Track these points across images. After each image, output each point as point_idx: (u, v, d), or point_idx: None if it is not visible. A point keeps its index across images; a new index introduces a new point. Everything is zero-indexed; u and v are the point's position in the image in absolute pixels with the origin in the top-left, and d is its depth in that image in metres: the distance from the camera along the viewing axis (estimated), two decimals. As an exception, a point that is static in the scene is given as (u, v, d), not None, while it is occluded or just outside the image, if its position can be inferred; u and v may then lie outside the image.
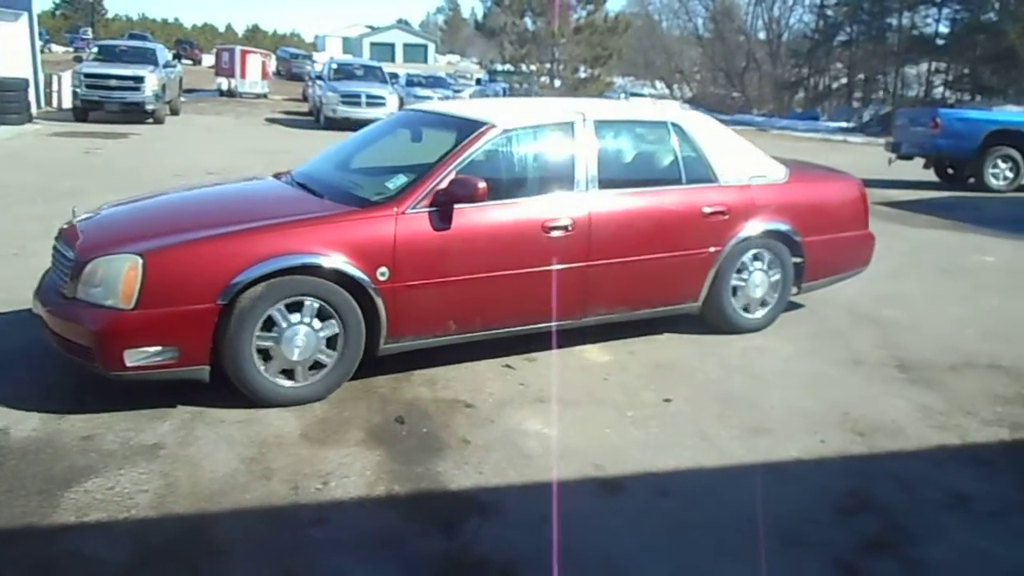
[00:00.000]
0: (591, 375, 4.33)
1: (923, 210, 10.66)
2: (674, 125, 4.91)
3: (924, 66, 42.38)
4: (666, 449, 3.50)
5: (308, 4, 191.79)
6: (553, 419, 3.76)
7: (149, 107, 17.48)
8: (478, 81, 40.93)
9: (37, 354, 4.09)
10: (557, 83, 32.12)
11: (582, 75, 32.89)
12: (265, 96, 31.58)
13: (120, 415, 3.58)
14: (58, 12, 78.29)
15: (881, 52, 42.32)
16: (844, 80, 45.54)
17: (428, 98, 25.95)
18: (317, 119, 21.57)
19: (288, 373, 3.77)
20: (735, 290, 4.96)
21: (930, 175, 14.41)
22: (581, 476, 3.25)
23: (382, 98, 20.44)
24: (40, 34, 23.66)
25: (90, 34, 55.66)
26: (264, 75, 32.83)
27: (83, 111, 17.51)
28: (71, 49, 48.33)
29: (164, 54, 20.66)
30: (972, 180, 13.54)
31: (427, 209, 3.98)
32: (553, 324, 4.41)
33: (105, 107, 17.34)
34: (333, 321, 3.78)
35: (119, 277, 3.49)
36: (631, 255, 4.52)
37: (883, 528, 2.98)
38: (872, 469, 3.43)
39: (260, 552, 2.69)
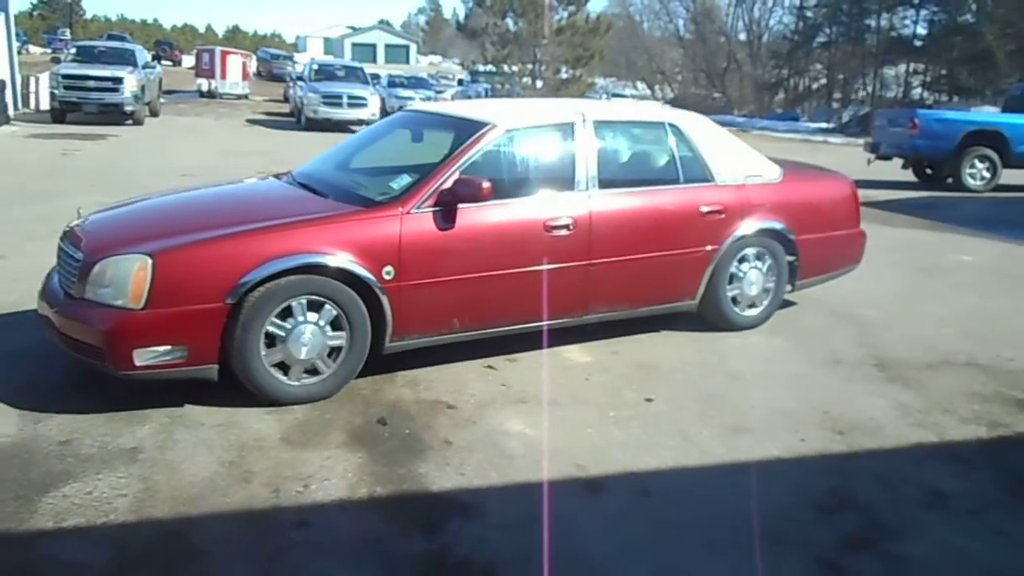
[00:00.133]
0: (573, 375, 4.34)
1: (902, 210, 10.75)
2: (671, 125, 4.98)
3: (902, 67, 42.77)
4: (648, 449, 3.51)
5: (289, 5, 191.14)
6: (535, 420, 3.76)
7: (128, 108, 17.36)
8: (460, 82, 40.92)
9: (16, 356, 4.05)
10: (539, 84, 32.17)
11: (564, 76, 32.98)
12: (246, 97, 31.45)
13: (98, 419, 3.55)
14: (35, 13, 77.54)
15: (860, 53, 42.68)
16: (824, 81, 45.85)
17: (410, 99, 25.98)
18: (298, 120, 21.50)
19: (296, 371, 3.79)
20: (731, 288, 5.03)
21: (908, 175, 14.53)
22: (563, 476, 3.25)
23: (363, 99, 20.42)
24: (17, 35, 23.46)
25: (68, 35, 55.12)
26: (245, 76, 32.69)
27: (61, 112, 17.37)
28: (49, 50, 47.88)
29: (143, 55, 20.52)
30: (950, 180, 13.67)
31: (431, 209, 4.02)
32: (554, 322, 4.46)
33: (83, 108, 17.20)
34: (339, 319, 3.81)
35: (129, 277, 3.51)
36: (631, 254, 4.58)
37: (863, 526, 3.00)
38: (852, 467, 3.45)
39: (241, 555, 2.67)
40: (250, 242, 3.69)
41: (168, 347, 3.52)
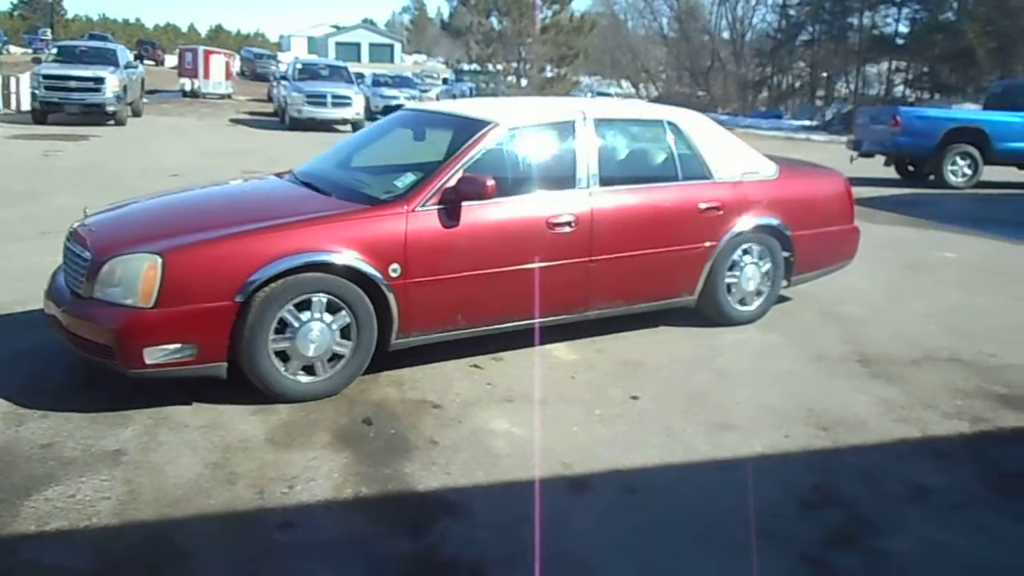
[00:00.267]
0: (559, 374, 4.34)
1: (884, 207, 10.82)
2: (670, 123, 5.04)
3: (884, 65, 43.08)
4: (633, 447, 3.52)
5: (272, 4, 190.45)
6: (521, 418, 3.76)
7: (110, 108, 17.23)
8: (445, 81, 40.87)
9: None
10: (524, 82, 32.16)
11: (548, 74, 32.97)
12: (229, 97, 31.28)
13: (81, 422, 3.52)
14: (16, 13, 76.90)
15: (842, 51, 42.92)
16: (807, 79, 46.09)
17: (394, 98, 26.01)
18: (282, 119, 21.41)
19: (306, 369, 3.84)
20: (729, 284, 5.08)
21: (891, 172, 14.63)
22: (549, 475, 3.25)
23: (348, 98, 20.34)
24: (-3, 35, 23.20)
25: (49, 35, 54.70)
26: (228, 75, 32.51)
27: (42, 113, 17.22)
28: (29, 50, 47.51)
29: (125, 55, 20.38)
30: (932, 177, 13.77)
31: (436, 207, 4.06)
32: (556, 319, 4.52)
33: (65, 109, 17.05)
34: (346, 316, 3.85)
35: (139, 276, 3.53)
36: (631, 250, 4.63)
37: (847, 521, 3.02)
38: (836, 463, 3.47)
39: (225, 557, 2.66)
40: (258, 241, 3.72)
41: (178, 345, 3.55)
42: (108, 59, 18.61)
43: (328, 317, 3.81)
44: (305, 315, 3.75)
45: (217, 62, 31.57)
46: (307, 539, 2.76)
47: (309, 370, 3.85)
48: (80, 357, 3.76)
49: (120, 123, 17.65)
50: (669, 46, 48.42)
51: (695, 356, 4.67)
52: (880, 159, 14.60)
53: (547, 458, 3.37)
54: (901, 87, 42.30)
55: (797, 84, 46.77)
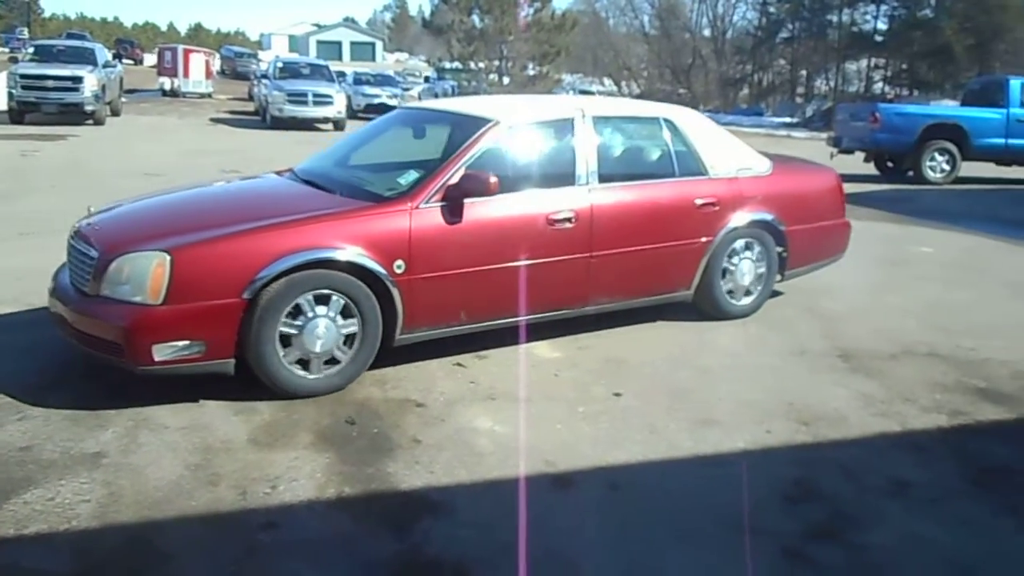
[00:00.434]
0: (542, 371, 4.35)
1: (864, 203, 10.89)
2: (666, 120, 5.12)
3: (864, 62, 43.41)
4: (616, 443, 3.52)
5: (253, 3, 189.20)
6: (504, 417, 3.76)
7: (88, 108, 17.03)
8: (427, 79, 40.76)
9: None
10: (506, 81, 32.14)
11: (531, 72, 32.94)
12: (209, 95, 31.05)
13: (60, 424, 3.49)
14: (-9, 11, 75.99)
15: (822, 48, 43.21)
16: (787, 76, 46.35)
17: (376, 96, 25.90)
18: (263, 118, 21.28)
19: (314, 364, 3.86)
20: (725, 277, 5.15)
21: (870, 168, 14.73)
22: (532, 472, 3.25)
23: (329, 97, 20.24)
24: (-28, 34, 22.94)
25: (26, 34, 54.13)
26: (208, 74, 32.27)
27: (19, 113, 17.00)
28: (6, 49, 46.93)
29: (103, 54, 20.14)
30: (910, 173, 13.89)
31: (439, 204, 4.10)
32: (557, 314, 4.59)
33: (42, 108, 16.85)
34: (351, 313, 3.88)
35: (147, 274, 3.55)
36: (630, 246, 4.69)
37: (828, 516, 3.04)
38: (817, 458, 3.49)
39: (208, 558, 2.64)
40: (265, 238, 3.75)
41: (187, 342, 3.57)
42: (86, 58, 18.40)
43: (333, 313, 3.84)
44: (311, 311, 3.78)
45: (197, 61, 31.33)
46: (290, 539, 2.75)
47: (312, 366, 3.87)
48: (85, 354, 3.77)
49: (99, 123, 17.48)
50: (650, 44, 48.50)
51: (678, 353, 4.69)
52: (860, 155, 14.70)
53: (530, 456, 3.37)
54: (880, 84, 42.65)
55: (778, 81, 47.01)
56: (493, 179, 4.06)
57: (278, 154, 14.01)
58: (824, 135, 18.69)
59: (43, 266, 5.75)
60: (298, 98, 19.94)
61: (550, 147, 4.73)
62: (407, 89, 33.71)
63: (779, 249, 5.32)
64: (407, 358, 4.29)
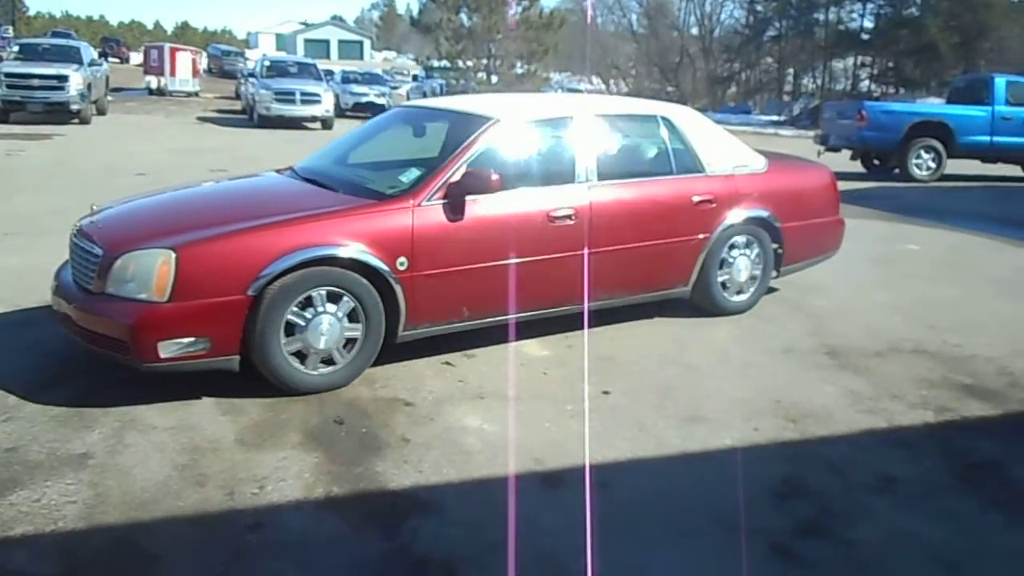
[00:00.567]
0: (530, 370, 4.35)
1: (851, 200, 10.90)
2: (663, 118, 5.16)
3: (850, 60, 43.63)
4: (605, 441, 3.53)
5: (240, 1, 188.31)
6: (493, 415, 3.76)
7: (74, 107, 16.94)
8: (415, 78, 40.68)
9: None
10: (494, 79, 32.10)
11: (519, 71, 32.91)
12: (196, 94, 30.91)
13: (46, 425, 3.47)
14: (-25, 9, 75.36)
15: (809, 47, 43.41)
16: (774, 74, 46.52)
17: (364, 95, 25.87)
18: (251, 117, 21.19)
19: (314, 360, 3.88)
20: (721, 275, 5.20)
21: (857, 166, 14.80)
22: (521, 471, 3.25)
23: (317, 95, 20.18)
24: (-44, 32, 22.76)
25: (11, 32, 53.57)
26: (195, 73, 32.12)
27: (4, 112, 16.87)
28: (-10, 48, 46.60)
29: (89, 52, 20.03)
30: (897, 171, 13.97)
31: (441, 201, 4.14)
32: (557, 310, 4.62)
33: (27, 108, 16.75)
34: (355, 310, 3.91)
35: (153, 271, 3.57)
36: (629, 243, 4.73)
37: (816, 512, 3.05)
38: (804, 454, 3.51)
39: (195, 559, 2.63)
40: (269, 235, 3.77)
41: (192, 339, 3.58)
42: (72, 57, 18.29)
43: (342, 314, 3.87)
44: (316, 308, 3.81)
45: (184, 59, 31.18)
46: (278, 540, 2.74)
47: (320, 362, 3.90)
48: (89, 351, 3.78)
49: (84, 122, 17.38)
50: (638, 42, 48.57)
51: (666, 350, 4.70)
52: (846, 153, 14.77)
53: (519, 454, 3.37)
54: (867, 82, 42.88)
55: (765, 79, 47.18)
56: (495, 177, 4.10)
57: (266, 153, 13.96)
58: (811, 133, 18.79)
59: (28, 266, 5.70)
60: (286, 97, 19.87)
61: (550, 145, 4.77)
62: (395, 88, 33.64)
63: (775, 246, 5.37)
64: (396, 357, 4.28)
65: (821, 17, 43.42)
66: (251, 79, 22.67)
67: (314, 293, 3.79)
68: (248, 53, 53.45)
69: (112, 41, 56.96)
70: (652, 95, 38.98)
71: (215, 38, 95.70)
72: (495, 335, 4.53)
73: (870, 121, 13.77)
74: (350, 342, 3.95)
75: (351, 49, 75.82)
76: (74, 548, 2.66)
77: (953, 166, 14.03)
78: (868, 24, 42.82)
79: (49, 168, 11.06)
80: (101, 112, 19.63)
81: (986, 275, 6.94)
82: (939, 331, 5.22)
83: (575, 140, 4.71)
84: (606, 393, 4.05)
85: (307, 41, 75.31)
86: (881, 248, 7.84)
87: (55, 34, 39.03)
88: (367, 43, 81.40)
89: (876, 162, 14.81)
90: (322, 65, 25.74)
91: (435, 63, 35.07)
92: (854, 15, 43.46)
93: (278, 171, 5.10)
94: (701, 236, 5.01)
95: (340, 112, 23.25)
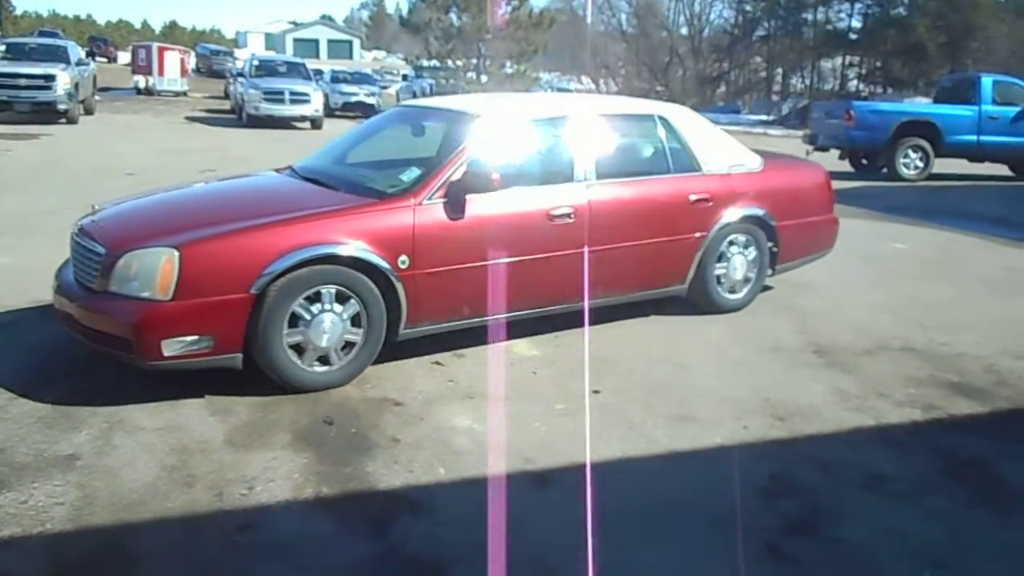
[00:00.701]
0: (520, 370, 4.35)
1: (839, 200, 10.86)
2: (660, 118, 5.20)
3: (839, 60, 43.82)
4: (595, 440, 3.53)
5: (228, 1, 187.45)
6: (483, 415, 3.76)
7: (61, 107, 16.83)
8: (404, 77, 40.62)
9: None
10: (484, 79, 32.08)
11: (508, 71, 32.91)
12: (185, 94, 30.78)
13: (33, 426, 3.45)
14: (-39, 8, 74.82)
15: (798, 47, 43.58)
16: (763, 74, 46.67)
17: (354, 94, 25.81)
18: (239, 117, 21.10)
19: (317, 359, 3.91)
20: (718, 273, 5.24)
21: (845, 166, 14.85)
22: (511, 471, 3.25)
23: (306, 95, 20.11)
24: (-58, 31, 22.60)
25: (-3, 31, 53.36)
26: (183, 72, 31.98)
27: (-10, 112, 16.79)
28: (-23, 47, 46.25)
29: (76, 52, 19.90)
30: (885, 170, 14.02)
31: (442, 200, 4.16)
32: (556, 308, 4.65)
33: (14, 107, 16.63)
34: (356, 307, 3.93)
35: (156, 270, 3.58)
36: (627, 241, 4.77)
37: (805, 510, 3.06)
38: (793, 453, 3.52)
39: (183, 561, 2.62)
40: (272, 234, 3.79)
41: (195, 337, 3.60)
42: (59, 56, 18.17)
43: (339, 308, 3.88)
44: (318, 306, 3.83)
45: (172, 59, 31.04)
46: (267, 541, 2.74)
47: (320, 360, 3.92)
48: (92, 350, 3.79)
49: (72, 121, 17.28)
50: (628, 42, 48.60)
51: (655, 349, 4.71)
52: (835, 153, 14.82)
53: (509, 454, 3.38)
54: (855, 82, 43.08)
55: (754, 79, 47.34)
56: (495, 175, 4.15)
57: (255, 153, 13.92)
58: (800, 133, 18.83)
59: (16, 266, 5.68)
60: (275, 96, 19.80)
61: (549, 144, 4.81)
62: (385, 87, 33.58)
63: (770, 244, 5.41)
64: (385, 357, 4.27)
65: (809, 17, 43.64)
66: (240, 79, 22.57)
67: (323, 290, 3.82)
68: (237, 52, 53.26)
69: (99, 40, 56.67)
70: (642, 95, 39.02)
71: (204, 37, 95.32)
72: (485, 334, 4.53)
73: (858, 121, 13.83)
74: (348, 345, 3.96)
75: (340, 49, 75.68)
76: (62, 550, 2.64)
77: (941, 165, 14.10)
78: (856, 24, 43.11)
79: (37, 168, 10.99)
80: (89, 112, 19.52)
81: (974, 274, 6.98)
82: (927, 329, 5.24)
83: (574, 139, 4.75)
84: (596, 392, 4.06)
85: (296, 40, 75.15)
86: (870, 247, 7.87)
87: (42, 33, 38.80)
88: (356, 43, 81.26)
89: (864, 161, 14.86)
90: (311, 65, 25.68)
91: (425, 63, 35.04)
92: (842, 15, 43.73)
93: (277, 170, 5.11)
94: (698, 234, 5.04)
95: (329, 112, 23.18)
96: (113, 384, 3.85)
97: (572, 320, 4.90)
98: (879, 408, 4.00)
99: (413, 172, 4.46)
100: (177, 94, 30.34)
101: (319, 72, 27.44)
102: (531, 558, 2.70)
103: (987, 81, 14.25)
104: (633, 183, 4.90)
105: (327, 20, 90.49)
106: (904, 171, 13.79)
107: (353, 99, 25.72)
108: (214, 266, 3.65)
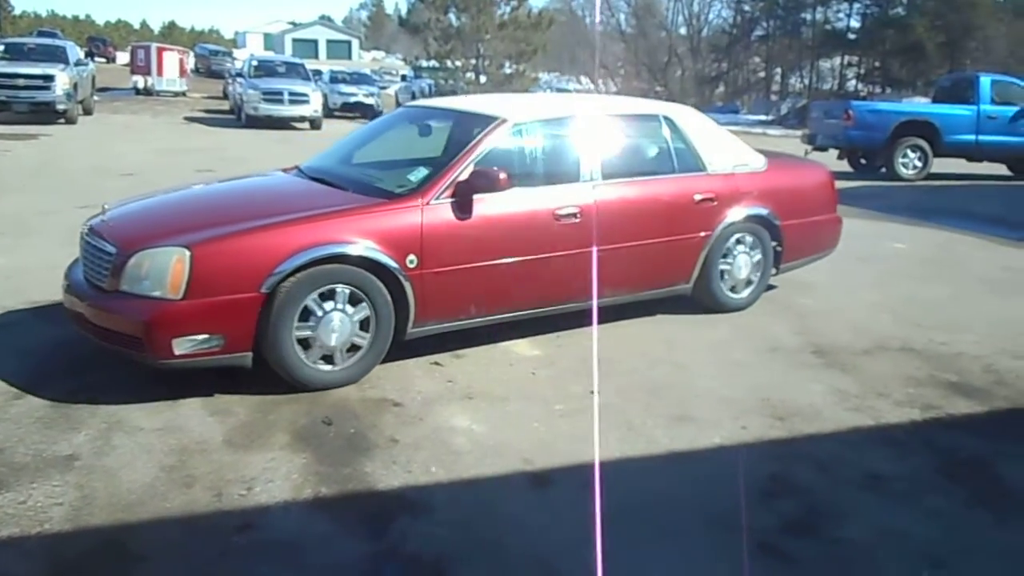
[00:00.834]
0: (519, 370, 4.35)
1: (838, 199, 10.98)
2: (665, 118, 5.23)
3: (837, 60, 43.86)
4: (594, 441, 3.53)
5: (227, 1, 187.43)
6: (482, 415, 3.76)
7: (60, 107, 16.83)
8: (403, 77, 40.61)
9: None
10: (483, 79, 32.07)
11: (507, 71, 32.90)
12: (184, 94, 30.76)
13: (32, 427, 3.45)
14: (-40, 9, 74.78)
15: (796, 47, 43.61)
16: (762, 74, 46.70)
17: (353, 95, 25.81)
18: (238, 117, 21.10)
19: (327, 358, 3.93)
20: (722, 272, 5.26)
21: (844, 165, 14.86)
22: (510, 471, 3.26)
23: (305, 95, 20.10)
24: (-60, 31, 22.58)
25: (-5, 31, 53.35)
26: (182, 72, 31.95)
27: (-11, 112, 16.79)
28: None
29: (75, 52, 19.91)
30: (883, 170, 14.03)
31: (449, 200, 4.19)
32: (563, 307, 4.67)
33: (13, 108, 16.63)
34: (365, 307, 3.96)
35: (167, 269, 3.60)
36: (632, 240, 4.80)
37: (804, 510, 3.06)
38: (792, 453, 3.52)
39: (182, 561, 2.62)
40: (282, 233, 3.81)
41: (206, 336, 3.62)
42: (57, 56, 18.18)
43: (349, 308, 3.90)
44: (327, 305, 3.85)
45: (171, 59, 31.02)
46: (266, 541, 2.74)
47: (329, 359, 3.94)
48: (102, 348, 3.81)
49: (71, 122, 17.28)
50: (627, 42, 48.62)
51: (655, 349, 4.71)
52: (834, 152, 14.83)
53: (508, 454, 3.38)
54: (853, 81, 43.11)
55: (753, 79, 47.37)
56: (503, 175, 4.15)
57: (254, 153, 13.92)
58: (799, 133, 18.84)
59: (14, 266, 5.67)
60: (273, 96, 19.79)
61: (555, 144, 4.83)
62: (384, 88, 33.56)
63: (774, 243, 5.43)
64: (385, 357, 4.26)
65: (808, 17, 43.67)
66: (239, 79, 22.57)
67: (338, 289, 3.85)
68: (236, 53, 53.28)
69: (98, 41, 56.62)
70: (640, 95, 39.02)
71: (203, 38, 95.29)
72: (484, 335, 4.54)
73: (857, 120, 13.84)
74: (354, 347, 3.98)
75: (339, 49, 75.65)
76: (60, 550, 2.64)
77: (939, 165, 14.11)
78: (855, 24, 43.16)
79: (35, 168, 10.99)
80: (87, 112, 19.53)
81: (973, 274, 6.99)
82: (926, 329, 5.24)
83: (579, 139, 4.78)
84: (594, 392, 4.05)
85: (295, 41, 75.13)
86: (868, 247, 7.86)
87: (41, 33, 38.79)
88: (355, 43, 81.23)
89: (863, 161, 14.87)
90: (310, 65, 25.69)
91: (423, 63, 35.00)
92: (841, 15, 43.76)
93: (284, 170, 5.13)
94: (703, 234, 5.06)
95: (328, 112, 23.18)
96: (112, 384, 3.85)
97: (573, 320, 4.90)
98: (878, 408, 4.00)
99: (421, 172, 4.49)
100: (176, 94, 30.32)
101: (318, 72, 27.43)
102: (531, 558, 2.70)
103: (985, 81, 14.26)
104: (639, 183, 4.92)
105: (326, 20, 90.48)
106: (903, 171, 13.80)
107: (352, 99, 25.71)
108: (224, 265, 3.68)
